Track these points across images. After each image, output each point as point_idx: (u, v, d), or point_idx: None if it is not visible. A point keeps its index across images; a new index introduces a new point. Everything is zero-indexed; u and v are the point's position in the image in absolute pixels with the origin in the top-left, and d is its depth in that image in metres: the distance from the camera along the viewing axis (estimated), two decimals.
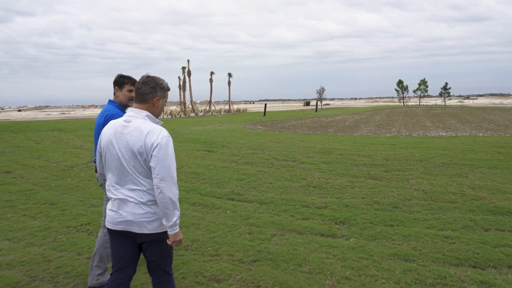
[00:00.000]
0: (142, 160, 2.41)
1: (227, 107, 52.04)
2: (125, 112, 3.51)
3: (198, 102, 61.26)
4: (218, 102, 61.92)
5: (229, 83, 53.19)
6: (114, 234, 2.55)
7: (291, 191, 7.05)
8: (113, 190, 2.52)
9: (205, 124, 24.97)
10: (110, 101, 3.64)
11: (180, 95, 47.67)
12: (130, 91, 3.57)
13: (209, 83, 50.82)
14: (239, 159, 10.19)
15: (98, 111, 66.33)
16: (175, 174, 2.42)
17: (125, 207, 2.46)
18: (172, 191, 2.37)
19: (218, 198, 6.71)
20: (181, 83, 47.60)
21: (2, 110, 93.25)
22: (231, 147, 12.27)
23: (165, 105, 2.73)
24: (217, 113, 47.19)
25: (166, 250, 2.59)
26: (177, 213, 2.42)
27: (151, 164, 2.38)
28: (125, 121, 2.49)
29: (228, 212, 5.91)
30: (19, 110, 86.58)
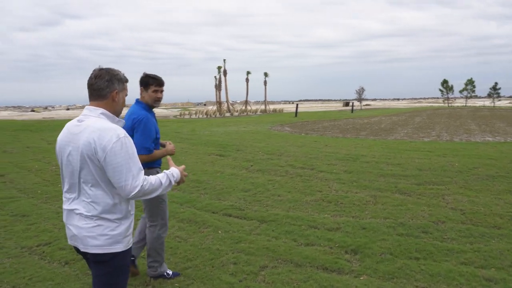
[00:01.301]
0: (92, 166, 2.11)
1: (263, 107, 51.67)
2: (152, 113, 3.62)
3: (238, 102, 61.38)
4: (257, 102, 61.74)
5: (265, 82, 52.85)
6: (76, 250, 2.27)
7: (300, 206, 6.11)
8: (64, 199, 2.27)
9: (230, 125, 24.27)
10: (137, 101, 3.61)
11: (216, 94, 47.68)
12: (156, 91, 3.56)
13: (246, 83, 50.74)
14: (251, 166, 9.32)
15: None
16: (136, 178, 2.12)
17: (71, 220, 2.20)
18: (143, 194, 2.16)
19: (213, 213, 5.88)
20: (217, 82, 47.60)
21: (52, 109, 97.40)
22: (246, 152, 11.43)
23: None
24: (252, 113, 46.85)
25: (113, 278, 2.22)
26: (161, 185, 2.23)
27: (108, 173, 2.10)
28: (78, 120, 2.21)
29: (219, 232, 5.06)
30: (68, 109, 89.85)
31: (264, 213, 5.79)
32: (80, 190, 2.17)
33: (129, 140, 2.15)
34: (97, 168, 2.11)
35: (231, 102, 53.03)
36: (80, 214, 2.16)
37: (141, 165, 2.18)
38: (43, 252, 4.40)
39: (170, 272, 3.85)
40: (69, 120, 2.48)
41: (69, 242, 2.27)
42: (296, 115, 36.68)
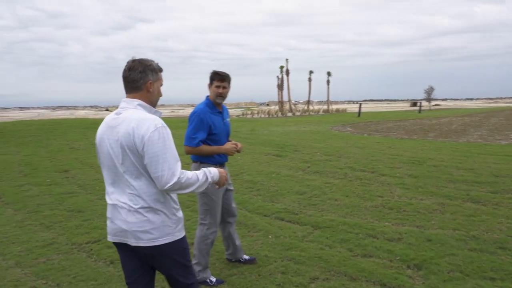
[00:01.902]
0: (133, 157, 2.09)
1: (326, 106, 50.93)
2: (215, 109, 3.64)
3: (301, 101, 61.20)
4: (320, 102, 61.09)
5: (327, 82, 52.05)
6: (117, 247, 2.28)
7: (359, 212, 5.71)
8: (107, 194, 2.24)
9: (290, 125, 23.96)
10: (206, 97, 3.69)
11: (278, 94, 47.73)
12: (218, 87, 3.59)
13: (308, 83, 50.35)
14: (308, 167, 8.98)
15: None
16: (173, 170, 2.07)
17: (118, 215, 2.16)
18: (180, 187, 2.11)
19: (265, 216, 5.65)
20: (279, 82, 47.62)
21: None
22: (304, 152, 11.09)
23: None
24: (314, 113, 46.31)
25: (177, 262, 2.27)
26: (198, 181, 2.18)
27: (145, 162, 2.07)
28: (116, 113, 2.20)
29: (270, 237, 4.82)
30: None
31: (318, 218, 5.46)
32: (124, 183, 2.14)
33: (167, 131, 2.13)
34: (138, 158, 2.10)
35: (293, 102, 52.75)
36: (128, 207, 2.13)
37: (178, 157, 2.14)
38: (91, 249, 4.42)
39: (214, 280, 3.69)
40: None
41: (112, 238, 2.23)
42: (359, 115, 35.54)
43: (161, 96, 2.33)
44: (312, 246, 4.49)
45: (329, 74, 52.15)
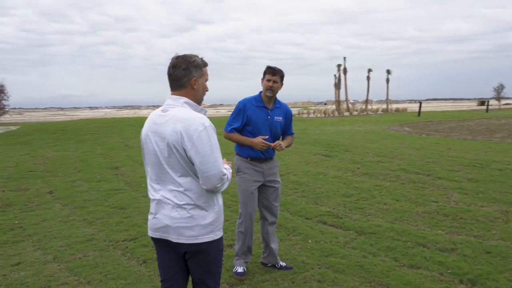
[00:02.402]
0: (179, 155, 2.11)
1: (385, 106, 49.31)
2: (261, 103, 3.72)
3: (360, 101, 59.98)
4: (380, 101, 59.41)
5: (387, 80, 50.38)
6: (156, 243, 2.30)
7: (409, 218, 5.30)
8: (151, 190, 2.26)
9: (344, 124, 23.31)
10: (259, 92, 3.80)
11: (335, 93, 46.89)
12: (269, 80, 3.65)
13: (366, 81, 49.03)
14: (358, 168, 8.57)
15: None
16: (221, 168, 2.13)
17: (162, 210, 2.18)
18: (223, 186, 2.18)
19: (307, 219, 5.41)
20: (336, 81, 46.76)
21: None
22: (355, 152, 10.63)
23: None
24: (373, 112, 44.95)
25: (212, 264, 2.27)
26: (229, 180, 2.21)
27: (194, 162, 2.10)
28: (162, 110, 2.22)
29: (309, 241, 4.58)
30: None
31: (364, 223, 5.13)
32: (170, 180, 2.16)
33: (214, 130, 2.16)
34: (184, 157, 2.11)
35: (351, 101, 51.51)
36: (173, 204, 2.15)
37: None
38: (127, 247, 4.42)
39: (238, 270, 3.74)
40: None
41: (153, 234, 2.24)
42: (419, 115, 33.92)
43: (207, 91, 2.32)
44: (354, 254, 4.20)
45: (388, 72, 50.42)
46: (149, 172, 2.27)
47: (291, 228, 5.03)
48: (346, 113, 43.14)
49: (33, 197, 6.95)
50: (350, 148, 11.39)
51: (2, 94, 31.90)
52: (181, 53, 2.26)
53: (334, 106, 46.09)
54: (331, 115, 40.70)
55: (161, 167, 2.17)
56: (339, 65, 46.41)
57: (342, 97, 47.29)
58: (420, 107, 36.58)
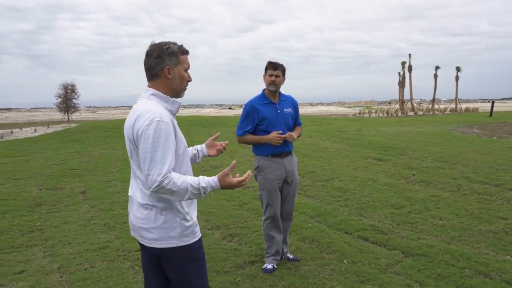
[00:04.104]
0: (136, 152, 2.00)
1: (454, 105, 46.55)
2: (267, 100, 3.76)
3: (427, 100, 57.38)
4: (449, 101, 56.42)
5: (456, 78, 47.60)
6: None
7: (470, 238, 4.50)
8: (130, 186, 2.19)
9: (405, 125, 21.91)
10: (262, 90, 3.85)
11: (399, 92, 45.03)
12: (271, 75, 3.69)
13: (434, 79, 46.60)
14: (413, 175, 7.71)
15: (324, 108, 68.75)
16: (161, 171, 1.87)
17: (132, 208, 2.11)
18: (165, 192, 1.91)
19: (346, 233, 4.78)
20: (400, 79, 44.90)
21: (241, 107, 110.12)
22: (412, 156, 9.68)
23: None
24: (440, 112, 42.52)
25: (185, 273, 2.08)
26: (187, 192, 1.91)
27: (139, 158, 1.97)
28: (136, 103, 2.11)
29: (345, 262, 3.97)
30: None
31: (413, 242, 4.41)
32: (136, 177, 2.08)
33: (166, 126, 1.92)
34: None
35: (417, 100, 49.16)
36: (137, 202, 2.06)
37: (172, 159, 1.93)
38: (138, 259, 4.02)
39: (267, 267, 3.79)
40: None
41: (131, 232, 2.17)
42: (491, 115, 31.36)
43: (189, 81, 2.15)
44: (397, 281, 3.54)
45: (458, 69, 47.57)
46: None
47: (325, 244, 4.43)
48: (411, 113, 41.18)
49: (64, 197, 6.87)
50: (406, 152, 10.43)
51: (73, 94, 34.05)
52: (157, 41, 2.12)
53: (397, 106, 44.21)
54: (394, 114, 38.98)
55: (131, 164, 2.11)
56: (403, 63, 44.52)
57: (407, 96, 45.25)
58: (492, 106, 33.85)
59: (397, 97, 47.68)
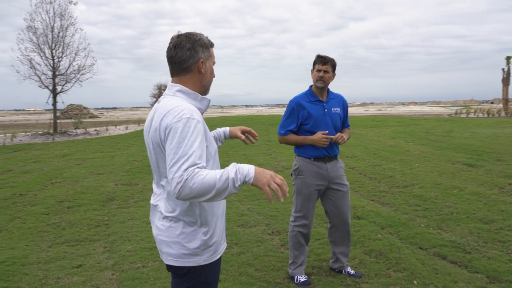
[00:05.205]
0: (162, 154, 1.78)
1: None
2: (314, 98, 3.50)
3: None
4: None
5: None
6: None
7: None
8: (152, 194, 2.00)
9: (505, 126, 19.73)
10: (309, 86, 3.62)
11: (502, 90, 41.27)
12: (319, 70, 3.44)
13: None
14: (509, 184, 6.74)
15: (417, 108, 65.65)
16: (182, 169, 1.57)
17: (154, 217, 1.93)
18: (190, 192, 1.57)
19: (420, 248, 4.24)
20: (504, 76, 41.11)
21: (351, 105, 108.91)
22: (510, 163, 8.54)
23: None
24: None
25: None
26: (215, 182, 1.54)
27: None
28: (158, 102, 1.90)
29: (415, 283, 3.50)
30: None
31: (502, 265, 3.77)
32: (163, 184, 1.85)
33: (196, 125, 1.68)
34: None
35: None
36: (161, 212, 1.85)
37: (198, 157, 1.62)
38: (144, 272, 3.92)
39: (301, 279, 3.51)
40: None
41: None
42: None
43: (214, 77, 1.96)
44: None
45: None
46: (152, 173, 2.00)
47: (394, 259, 3.95)
48: None
49: (136, 192, 7.07)
50: (503, 157, 9.26)
51: None
52: (183, 32, 1.89)
53: (500, 105, 40.36)
54: (496, 115, 35.52)
55: (155, 169, 1.88)
56: (508, 58, 40.49)
57: (510, 94, 41.15)
58: None
59: (500, 95, 43.53)
